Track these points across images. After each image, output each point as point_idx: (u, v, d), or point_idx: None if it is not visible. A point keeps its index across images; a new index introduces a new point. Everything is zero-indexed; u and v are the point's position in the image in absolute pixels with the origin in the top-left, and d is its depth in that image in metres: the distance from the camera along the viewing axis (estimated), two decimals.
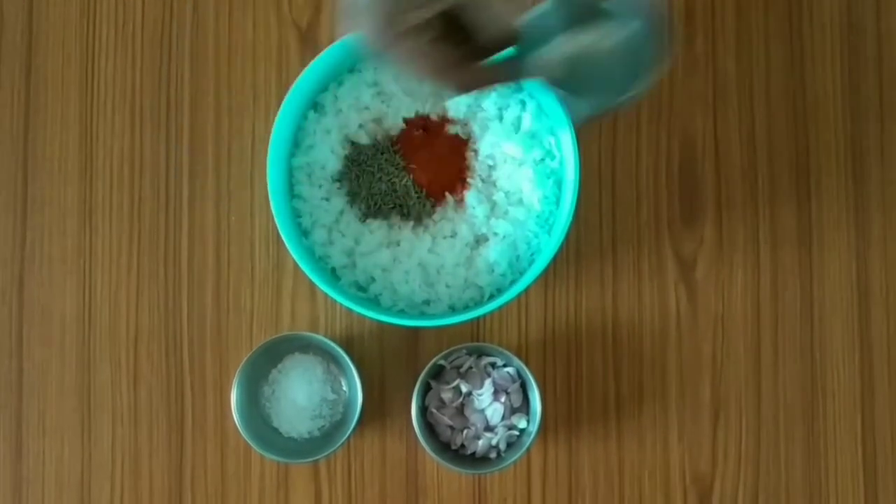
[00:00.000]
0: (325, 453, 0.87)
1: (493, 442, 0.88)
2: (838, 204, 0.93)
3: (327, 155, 0.88)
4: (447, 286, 0.87)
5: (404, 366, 0.92)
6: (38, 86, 0.95)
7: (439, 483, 0.92)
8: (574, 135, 0.83)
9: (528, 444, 0.87)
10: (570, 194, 0.84)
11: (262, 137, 0.93)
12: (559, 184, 0.88)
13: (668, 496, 0.92)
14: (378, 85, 0.89)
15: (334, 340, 0.88)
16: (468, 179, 0.87)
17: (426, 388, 0.89)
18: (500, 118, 0.88)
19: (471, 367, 0.89)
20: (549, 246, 0.85)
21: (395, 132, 0.88)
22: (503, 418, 0.88)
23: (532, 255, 0.87)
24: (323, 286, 0.83)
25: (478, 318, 0.92)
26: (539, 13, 0.69)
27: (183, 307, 0.93)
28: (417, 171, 0.87)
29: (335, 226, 0.88)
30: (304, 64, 0.86)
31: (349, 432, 0.87)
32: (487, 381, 0.88)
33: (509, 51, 0.71)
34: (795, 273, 0.93)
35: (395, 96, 0.88)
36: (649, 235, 0.93)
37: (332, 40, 0.86)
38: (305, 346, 0.91)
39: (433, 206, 0.87)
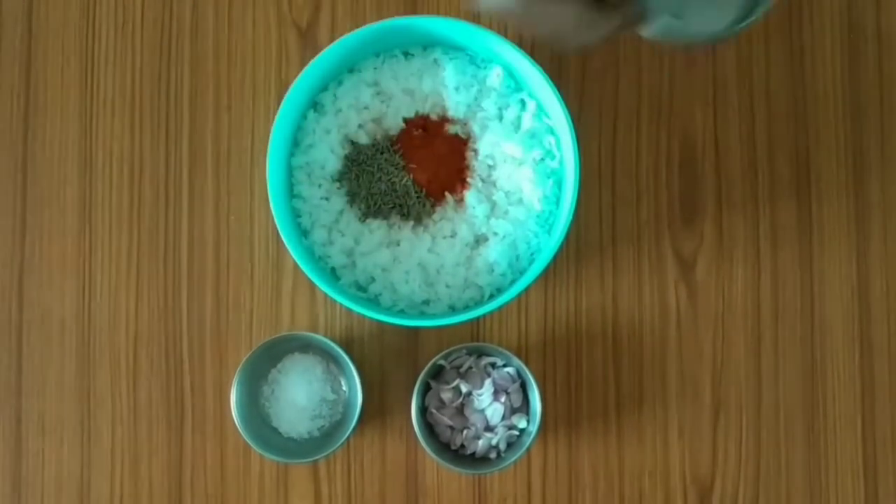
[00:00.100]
0: (325, 453, 0.87)
1: (493, 442, 0.88)
2: (838, 202, 0.93)
3: (327, 155, 0.88)
4: (447, 286, 0.87)
5: (404, 366, 0.92)
6: (37, 86, 0.95)
7: (439, 483, 0.92)
8: (574, 134, 0.83)
9: (528, 443, 0.87)
10: (569, 194, 0.84)
11: (262, 137, 0.93)
12: (559, 183, 0.87)
13: (668, 495, 0.91)
14: (378, 84, 0.89)
15: (334, 340, 0.88)
16: (468, 179, 0.87)
17: (426, 388, 0.89)
18: (500, 118, 0.88)
19: (471, 367, 0.89)
20: (548, 245, 0.85)
21: (394, 132, 0.88)
22: (503, 418, 0.88)
23: (532, 254, 0.87)
24: (323, 286, 0.83)
25: (478, 318, 0.92)
26: None
27: (182, 307, 0.93)
28: (417, 170, 0.87)
29: (335, 225, 0.88)
30: (303, 63, 0.86)
31: (349, 432, 0.86)
32: (487, 381, 0.88)
33: None
34: (796, 271, 0.93)
35: (394, 96, 0.88)
36: (649, 234, 0.93)
37: (331, 40, 0.87)
38: (305, 346, 0.91)
39: (433, 206, 0.87)
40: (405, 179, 0.87)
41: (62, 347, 0.93)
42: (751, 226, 0.93)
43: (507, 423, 0.88)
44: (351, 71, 0.89)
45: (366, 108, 0.88)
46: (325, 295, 0.86)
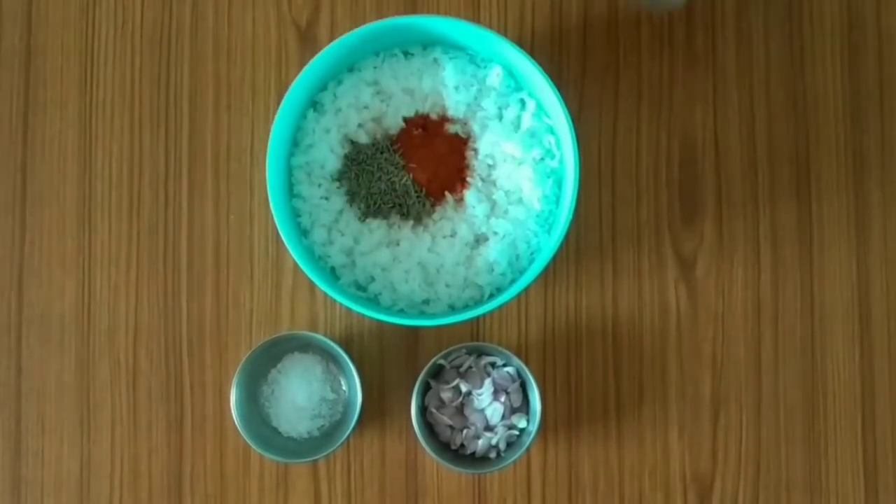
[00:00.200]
0: (325, 453, 0.87)
1: (493, 441, 0.88)
2: (838, 202, 0.93)
3: (327, 154, 0.88)
4: (447, 285, 0.87)
5: (404, 365, 0.92)
6: (37, 86, 0.95)
7: (439, 483, 0.92)
8: (573, 134, 0.83)
9: (527, 443, 0.87)
10: (569, 193, 0.84)
11: (262, 136, 0.93)
12: (559, 183, 0.87)
13: (668, 495, 0.91)
14: (377, 84, 0.89)
15: (334, 340, 0.88)
16: (468, 179, 0.87)
17: (426, 388, 0.89)
18: (500, 117, 0.88)
19: (470, 367, 0.89)
20: (548, 245, 0.85)
21: (394, 131, 0.88)
22: (503, 418, 0.88)
23: (532, 254, 0.87)
24: (322, 285, 0.83)
25: (477, 318, 0.92)
26: None
27: (182, 306, 0.93)
28: (417, 170, 0.87)
29: (335, 225, 0.88)
30: (303, 63, 0.86)
31: (349, 432, 0.86)
32: (487, 381, 0.88)
33: None
34: (796, 271, 0.93)
35: (394, 95, 0.88)
36: (649, 234, 0.93)
37: (331, 39, 0.86)
38: (305, 346, 0.91)
39: (433, 206, 0.87)
40: (405, 179, 0.87)
41: (62, 347, 0.93)
42: (751, 225, 0.93)
43: (506, 422, 0.88)
44: (351, 70, 0.89)
45: (365, 107, 0.88)
46: (325, 294, 0.86)
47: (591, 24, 0.94)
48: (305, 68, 0.84)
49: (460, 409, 0.89)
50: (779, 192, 0.93)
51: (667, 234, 0.93)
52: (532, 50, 0.94)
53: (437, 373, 0.90)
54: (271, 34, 0.95)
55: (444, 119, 0.88)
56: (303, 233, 0.88)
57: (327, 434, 0.90)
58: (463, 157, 0.88)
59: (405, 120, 0.88)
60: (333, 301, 0.89)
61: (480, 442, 0.88)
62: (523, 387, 0.89)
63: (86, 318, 0.93)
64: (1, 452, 0.93)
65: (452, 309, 0.87)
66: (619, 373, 0.92)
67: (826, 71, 0.94)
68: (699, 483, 0.92)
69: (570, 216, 0.83)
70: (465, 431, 0.88)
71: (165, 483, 0.92)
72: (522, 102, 0.88)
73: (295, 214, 0.88)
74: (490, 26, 0.92)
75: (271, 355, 0.90)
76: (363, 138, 0.88)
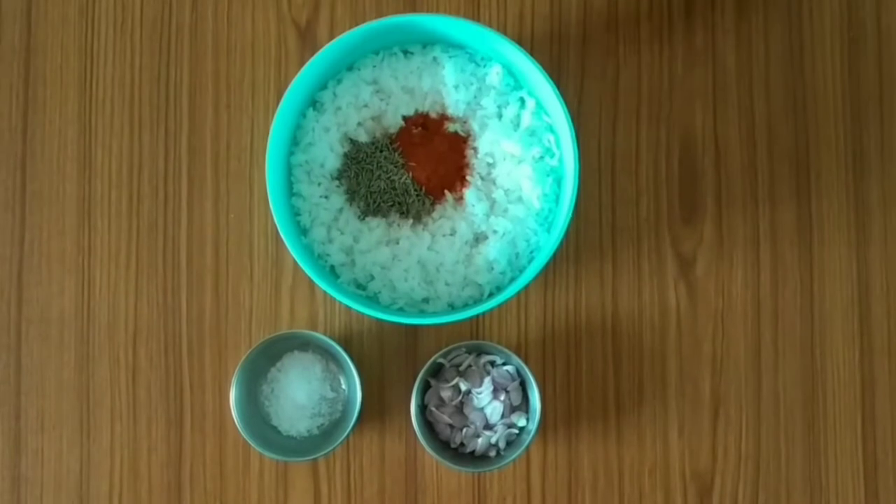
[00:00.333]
0: (325, 452, 0.87)
1: (493, 440, 0.88)
2: (838, 200, 0.93)
3: (326, 153, 0.88)
4: (446, 284, 0.87)
5: (403, 364, 0.92)
6: (36, 84, 0.95)
7: (438, 481, 0.92)
8: (573, 132, 0.83)
9: (527, 442, 0.87)
10: (569, 192, 0.84)
11: (261, 135, 0.93)
12: (558, 181, 0.87)
13: (667, 493, 0.92)
14: (377, 83, 0.89)
15: (333, 338, 0.88)
16: (467, 177, 0.87)
17: (425, 387, 0.89)
18: (500, 116, 0.88)
19: (470, 366, 0.89)
20: (548, 243, 0.85)
21: (394, 130, 0.88)
22: (502, 416, 0.88)
23: (531, 252, 0.87)
24: (322, 284, 0.83)
25: (477, 316, 0.92)
26: None
27: (182, 305, 0.93)
28: (416, 168, 0.87)
29: (334, 224, 0.88)
30: (302, 62, 0.86)
31: (348, 430, 0.86)
32: (487, 380, 0.88)
33: None
34: (795, 270, 0.93)
35: (393, 94, 0.88)
36: (649, 232, 0.93)
37: (331, 38, 0.86)
38: (304, 345, 0.91)
39: (432, 204, 0.87)
40: (404, 177, 0.87)
41: (61, 345, 0.93)
42: (750, 224, 0.93)
43: (506, 421, 0.88)
44: (350, 69, 0.89)
45: (365, 106, 0.88)
46: (325, 293, 0.86)
47: (590, 22, 0.94)
48: (305, 67, 0.84)
49: (460, 408, 0.89)
50: (778, 190, 0.93)
51: (666, 233, 0.93)
52: (531, 48, 0.94)
53: (437, 371, 0.90)
54: (271, 33, 0.95)
55: (443, 118, 0.88)
56: (302, 231, 0.88)
57: (327, 433, 0.90)
58: (462, 156, 0.88)
59: (405, 119, 0.88)
60: (333, 300, 0.89)
61: (480, 440, 0.88)
62: (523, 385, 0.89)
63: (85, 316, 0.93)
64: (0, 450, 0.93)
65: (452, 307, 0.87)
66: (619, 371, 0.92)
67: (826, 69, 0.94)
68: (699, 481, 0.92)
69: (570, 215, 0.83)
70: (464, 430, 0.88)
71: (165, 481, 0.92)
72: (522, 101, 0.88)
73: (294, 213, 0.88)
74: (490, 25, 0.92)
75: (271, 354, 0.90)
76: (363, 137, 0.88)
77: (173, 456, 0.92)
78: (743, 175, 0.93)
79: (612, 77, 0.94)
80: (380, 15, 0.93)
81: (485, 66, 0.89)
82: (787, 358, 0.92)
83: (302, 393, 0.89)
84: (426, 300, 0.87)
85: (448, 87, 0.88)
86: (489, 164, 0.87)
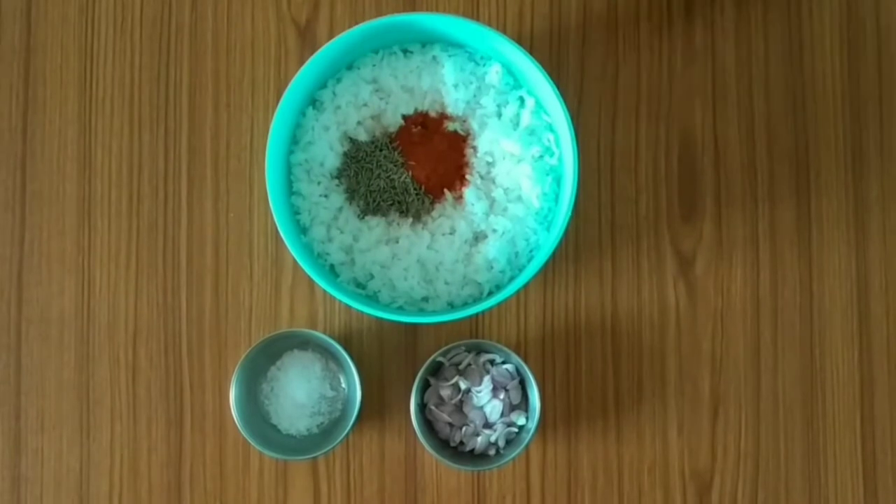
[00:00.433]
0: (324, 450, 0.87)
1: (492, 439, 0.88)
2: (837, 199, 0.93)
3: (326, 152, 0.88)
4: (446, 283, 0.87)
5: (403, 363, 0.92)
6: (36, 84, 0.95)
7: (438, 480, 0.92)
8: (573, 131, 0.83)
9: (526, 440, 0.87)
10: (568, 191, 0.84)
11: (261, 134, 0.93)
12: (558, 180, 0.88)
13: (667, 492, 0.92)
14: (376, 82, 0.89)
15: (333, 337, 0.88)
16: (467, 176, 0.87)
17: (425, 385, 0.89)
18: (499, 115, 0.88)
19: (470, 364, 0.89)
20: (547, 242, 0.85)
21: (393, 129, 0.88)
22: (502, 415, 0.88)
23: (531, 251, 0.87)
24: (322, 283, 0.83)
25: (477, 315, 0.92)
26: None
27: (182, 304, 0.93)
28: (416, 167, 0.87)
29: (334, 222, 0.88)
30: (302, 61, 0.86)
31: (348, 429, 0.87)
32: (486, 378, 0.88)
33: None
34: (795, 268, 0.93)
35: (393, 93, 0.88)
36: (648, 231, 0.93)
37: (330, 37, 0.86)
38: (304, 343, 0.91)
39: (432, 203, 0.87)
40: (404, 176, 0.87)
41: (61, 344, 0.93)
42: (750, 222, 0.93)
43: (505, 419, 0.88)
44: (350, 68, 0.89)
45: (365, 105, 0.88)
46: (324, 292, 0.86)
47: (589, 21, 0.94)
48: (304, 66, 0.84)
49: (459, 407, 0.89)
50: (778, 188, 0.93)
51: (666, 232, 0.93)
52: (531, 47, 0.94)
53: (437, 370, 0.90)
54: (270, 32, 0.95)
55: (443, 117, 0.88)
56: (302, 230, 0.88)
57: (326, 431, 0.90)
58: (462, 155, 0.88)
59: (404, 117, 0.88)
60: (333, 298, 0.89)
61: (479, 439, 0.88)
62: (522, 384, 0.89)
63: (85, 315, 0.93)
64: (0, 450, 0.93)
65: (451, 306, 0.87)
66: (619, 370, 0.92)
67: (825, 67, 0.94)
68: (698, 480, 0.92)
69: (569, 213, 0.83)
70: (464, 428, 0.88)
71: (165, 480, 0.92)
72: (521, 100, 0.88)
73: (294, 212, 0.88)
74: (489, 24, 0.92)
75: (270, 353, 0.90)
76: (362, 136, 0.88)
77: (173, 455, 0.92)
78: (742, 174, 0.93)
79: (611, 76, 0.94)
80: (379, 14, 0.94)
81: (484, 65, 0.89)
82: (786, 356, 0.92)
83: (302, 392, 0.89)
84: (426, 299, 0.87)
85: (447, 86, 0.88)
86: (489, 163, 0.88)
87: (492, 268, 0.87)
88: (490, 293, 0.87)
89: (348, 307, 0.89)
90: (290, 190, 0.89)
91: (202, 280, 0.93)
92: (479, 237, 0.87)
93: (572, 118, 0.83)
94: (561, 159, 0.87)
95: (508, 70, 0.88)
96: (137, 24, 0.95)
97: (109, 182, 0.94)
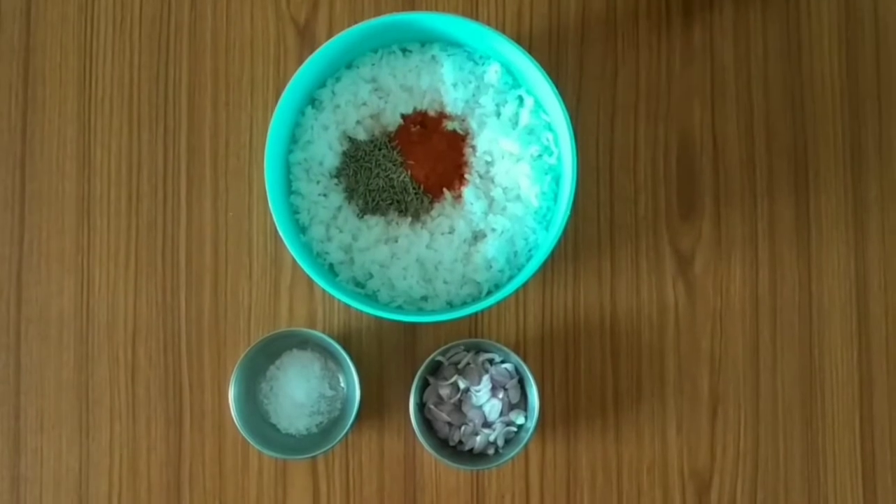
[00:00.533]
0: (323, 449, 0.87)
1: (491, 438, 0.88)
2: (836, 198, 0.93)
3: (325, 151, 0.88)
4: (445, 282, 0.87)
5: (402, 362, 0.92)
6: (35, 83, 0.95)
7: (437, 479, 0.92)
8: (571, 130, 0.83)
9: (526, 440, 0.87)
10: (567, 190, 0.84)
11: (260, 133, 0.93)
12: (557, 179, 0.88)
13: (666, 491, 0.92)
14: (375, 81, 0.89)
15: (332, 336, 0.88)
16: (466, 175, 0.87)
17: (424, 385, 0.89)
18: (498, 114, 0.88)
19: (469, 364, 0.89)
20: (546, 241, 0.85)
21: (392, 128, 0.88)
22: (501, 414, 0.88)
23: (530, 250, 0.87)
24: (321, 282, 0.83)
25: (476, 314, 0.92)
26: None
27: (181, 303, 0.93)
28: (415, 167, 0.87)
29: (333, 222, 0.88)
30: (301, 60, 0.86)
31: (347, 429, 0.87)
32: (485, 378, 0.88)
33: None
34: (794, 267, 0.93)
35: (392, 92, 0.88)
36: (647, 230, 0.93)
37: (329, 36, 0.86)
38: (303, 343, 0.91)
39: (431, 202, 0.87)
40: (403, 176, 0.87)
41: (60, 344, 0.93)
42: (749, 221, 0.93)
43: (504, 419, 0.88)
44: (349, 67, 0.89)
45: (364, 104, 0.88)
46: (323, 291, 0.86)
47: (588, 20, 0.94)
48: (304, 65, 0.84)
49: (458, 406, 0.89)
50: (777, 187, 0.93)
51: (665, 231, 0.93)
52: (530, 47, 0.94)
53: (436, 369, 0.90)
54: (270, 31, 0.95)
55: (442, 116, 0.88)
56: (301, 229, 0.88)
57: (326, 431, 0.90)
58: (461, 154, 0.88)
59: (403, 117, 0.88)
60: (332, 298, 0.89)
61: (478, 438, 0.88)
62: (521, 383, 0.89)
63: (84, 315, 0.93)
64: (0, 450, 0.93)
65: (450, 305, 0.87)
66: (618, 369, 0.92)
67: (824, 66, 0.94)
68: (697, 479, 0.92)
69: (568, 213, 0.83)
70: (463, 428, 0.88)
71: (164, 480, 0.92)
72: (520, 99, 0.88)
73: (293, 211, 0.88)
74: (488, 23, 0.92)
75: (270, 352, 0.90)
76: (361, 135, 0.88)
77: (172, 455, 0.92)
78: (741, 172, 0.93)
79: (610, 75, 0.94)
80: (378, 13, 0.94)
81: (483, 64, 0.89)
82: (785, 355, 0.92)
83: (301, 391, 0.89)
84: (425, 298, 0.87)
85: (446, 86, 0.88)
86: (487, 163, 0.88)
87: (491, 267, 0.87)
88: (489, 292, 0.87)
89: (347, 306, 0.89)
90: (290, 189, 0.89)
91: (201, 279, 0.93)
92: (477, 236, 0.87)
93: (571, 117, 0.83)
94: (560, 158, 0.87)
95: (507, 69, 0.88)
96: (137, 24, 0.95)
97: (108, 181, 0.94)
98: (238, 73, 0.94)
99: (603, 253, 0.93)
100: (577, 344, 0.92)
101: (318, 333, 0.87)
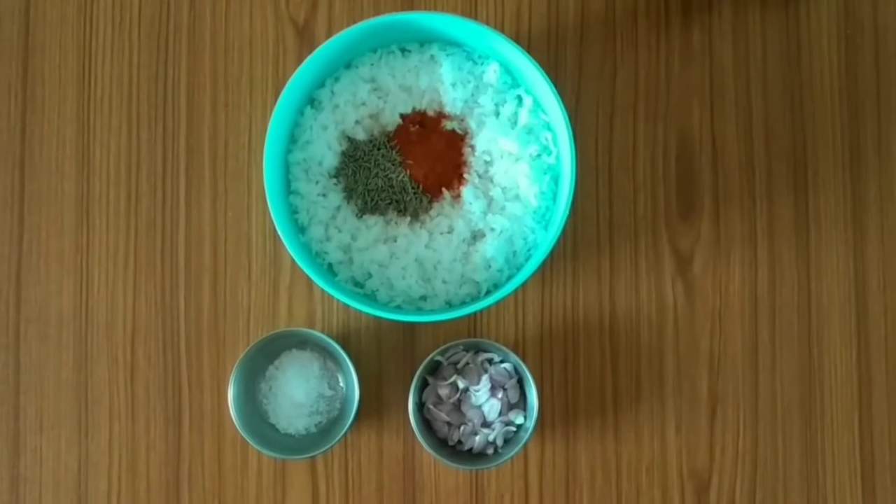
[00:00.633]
0: (323, 449, 0.87)
1: (491, 438, 0.88)
2: (835, 197, 0.93)
3: (324, 151, 0.88)
4: (444, 282, 0.87)
5: (401, 362, 0.92)
6: (35, 83, 0.95)
7: (436, 479, 0.92)
8: (570, 130, 0.83)
9: (525, 439, 0.87)
10: (566, 189, 0.84)
11: (259, 133, 0.93)
12: (556, 179, 0.88)
13: (665, 491, 0.92)
14: (375, 81, 0.89)
15: (331, 336, 0.88)
16: (465, 175, 0.87)
17: (423, 384, 0.89)
18: (497, 114, 0.88)
19: (468, 363, 0.89)
20: (545, 241, 0.85)
21: (391, 128, 0.88)
22: (500, 414, 0.88)
23: (529, 250, 0.87)
24: (320, 282, 0.83)
25: (475, 314, 0.92)
26: None
27: (180, 303, 0.93)
28: (414, 166, 0.87)
29: (332, 222, 0.88)
30: (300, 60, 0.86)
31: (346, 428, 0.87)
32: (484, 377, 0.88)
33: None
34: (793, 267, 0.93)
35: (391, 92, 0.88)
36: (646, 230, 0.93)
37: (328, 36, 0.87)
38: (302, 343, 0.91)
39: (430, 202, 0.88)
40: (402, 175, 0.87)
41: (60, 344, 0.93)
42: (748, 221, 0.93)
43: (504, 418, 0.88)
44: (348, 67, 0.89)
45: (363, 104, 0.88)
46: (323, 291, 0.86)
47: (587, 20, 0.94)
48: (303, 65, 0.84)
49: (457, 406, 0.89)
50: (776, 187, 0.93)
51: (664, 230, 0.93)
52: (529, 46, 0.94)
53: (435, 369, 0.90)
54: (269, 31, 0.95)
55: (441, 116, 0.88)
56: (300, 229, 0.88)
57: (325, 431, 0.90)
58: (460, 154, 0.88)
59: (402, 116, 0.88)
60: (331, 297, 0.89)
61: (478, 438, 0.88)
62: (520, 383, 0.89)
63: (84, 315, 0.93)
64: None
65: (449, 305, 0.87)
66: (617, 369, 0.92)
67: (823, 66, 0.94)
68: (696, 479, 0.92)
69: (567, 212, 0.83)
70: (462, 428, 0.88)
71: (163, 480, 0.92)
72: (519, 99, 0.88)
73: (292, 211, 0.88)
74: (487, 23, 0.92)
75: (269, 352, 0.90)
76: (360, 135, 0.88)
77: (172, 454, 0.92)
78: (740, 172, 0.93)
79: (609, 75, 0.94)
80: (377, 13, 0.94)
81: (482, 64, 0.89)
82: (784, 355, 0.92)
83: (300, 391, 0.89)
84: (424, 298, 0.87)
85: (445, 85, 0.88)
86: (486, 162, 0.88)
87: (490, 267, 0.87)
88: (488, 292, 0.87)
89: (346, 306, 0.89)
90: (289, 189, 0.89)
91: (200, 279, 0.93)
92: (476, 236, 0.87)
93: (570, 117, 0.83)
94: (559, 158, 0.87)
95: (506, 69, 0.88)
96: (136, 24, 0.95)
97: (108, 181, 0.94)
98: (237, 73, 0.94)
99: (602, 253, 0.93)
100: (577, 344, 0.92)
101: (317, 333, 0.87)
